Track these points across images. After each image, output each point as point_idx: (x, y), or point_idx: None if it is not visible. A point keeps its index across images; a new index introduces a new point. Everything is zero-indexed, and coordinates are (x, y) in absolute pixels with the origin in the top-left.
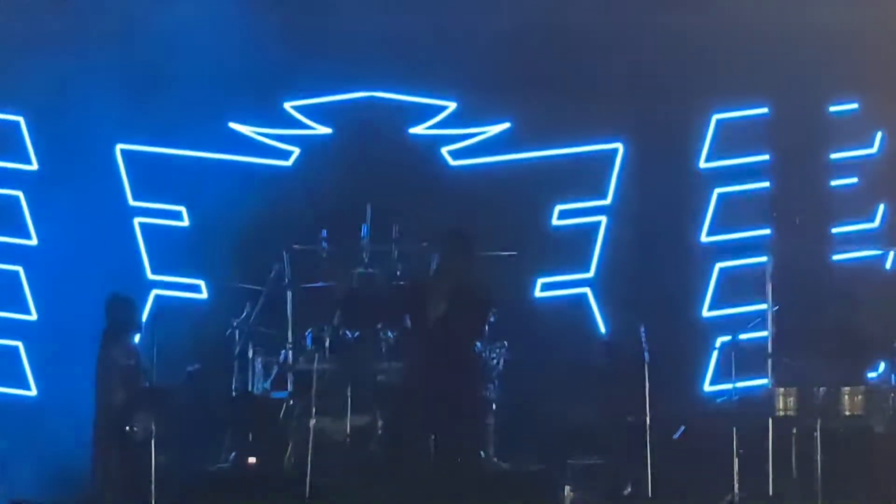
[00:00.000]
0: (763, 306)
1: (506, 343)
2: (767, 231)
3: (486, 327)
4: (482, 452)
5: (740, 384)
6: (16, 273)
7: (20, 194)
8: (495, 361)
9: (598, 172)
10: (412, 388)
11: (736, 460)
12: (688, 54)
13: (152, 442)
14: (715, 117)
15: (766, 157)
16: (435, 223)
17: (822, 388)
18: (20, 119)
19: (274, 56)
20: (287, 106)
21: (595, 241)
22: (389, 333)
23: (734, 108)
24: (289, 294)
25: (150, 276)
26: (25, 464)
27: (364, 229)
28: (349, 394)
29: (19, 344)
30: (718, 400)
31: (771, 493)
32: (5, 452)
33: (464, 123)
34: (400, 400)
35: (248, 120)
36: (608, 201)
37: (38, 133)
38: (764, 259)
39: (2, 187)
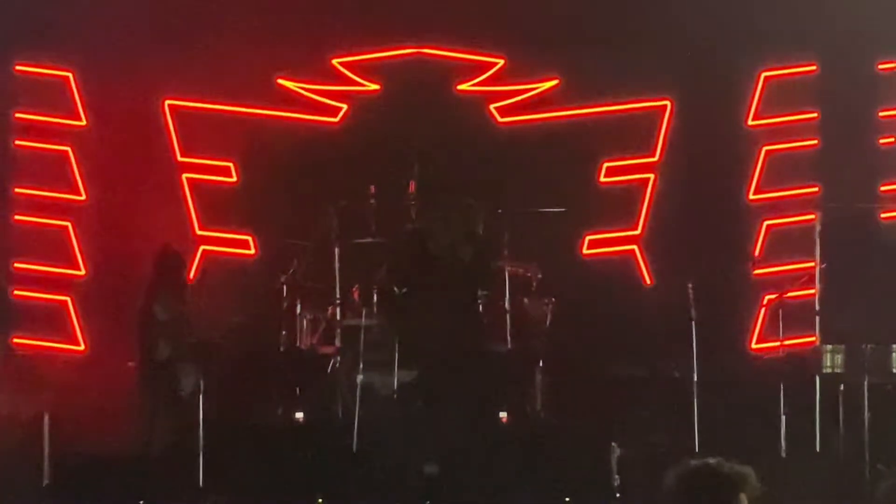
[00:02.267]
0: (811, 264)
1: (553, 299)
2: (815, 189)
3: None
4: (528, 408)
5: (787, 342)
6: (65, 228)
7: (69, 150)
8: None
9: (646, 129)
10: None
11: (783, 417)
12: (737, 11)
13: (200, 396)
14: (763, 74)
15: (815, 114)
16: (482, 181)
17: (869, 345)
18: (69, 74)
19: (322, 11)
20: (335, 62)
21: (642, 198)
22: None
23: (782, 65)
24: (336, 250)
25: (199, 231)
26: (73, 419)
27: (411, 186)
28: (396, 349)
29: (69, 299)
30: (765, 357)
31: (818, 450)
32: (54, 406)
33: (512, 80)
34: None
35: (296, 76)
36: (656, 158)
37: (87, 88)
38: (812, 217)
39: (51, 143)
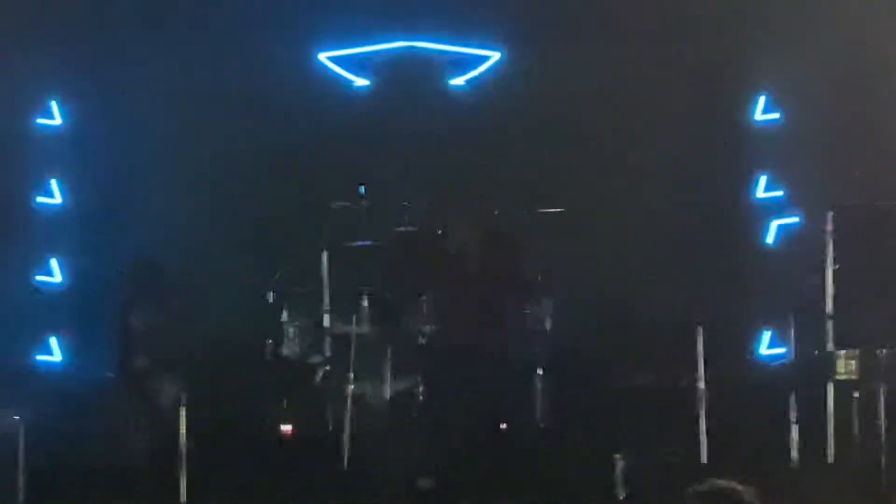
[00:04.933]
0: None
1: (552, 304)
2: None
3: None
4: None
5: (797, 347)
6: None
7: None
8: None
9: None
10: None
11: (794, 426)
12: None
13: (182, 408)
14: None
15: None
16: (478, 181)
17: (884, 350)
18: None
19: (307, 4)
20: (322, 57)
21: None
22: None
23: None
24: (325, 254)
25: None
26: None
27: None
28: (389, 358)
29: None
30: (775, 363)
31: (831, 459)
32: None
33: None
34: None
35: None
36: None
37: None
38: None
39: None
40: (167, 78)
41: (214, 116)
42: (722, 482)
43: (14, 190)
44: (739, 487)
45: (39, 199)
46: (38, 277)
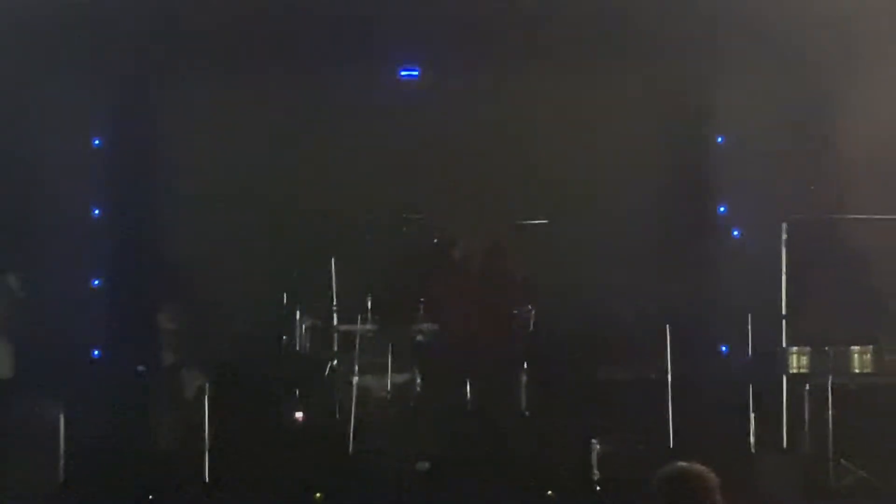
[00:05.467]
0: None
1: (535, 306)
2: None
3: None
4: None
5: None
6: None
7: None
8: (527, 323)
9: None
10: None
11: (752, 415)
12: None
13: (205, 398)
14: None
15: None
16: (470, 193)
17: (832, 348)
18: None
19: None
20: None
21: None
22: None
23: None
24: (332, 259)
25: None
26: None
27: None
28: (390, 354)
29: None
30: (736, 359)
31: (785, 445)
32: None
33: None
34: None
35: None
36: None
37: None
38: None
39: None
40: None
41: (238, 145)
42: (686, 464)
43: (70, 203)
44: (703, 469)
45: (92, 212)
46: (93, 282)
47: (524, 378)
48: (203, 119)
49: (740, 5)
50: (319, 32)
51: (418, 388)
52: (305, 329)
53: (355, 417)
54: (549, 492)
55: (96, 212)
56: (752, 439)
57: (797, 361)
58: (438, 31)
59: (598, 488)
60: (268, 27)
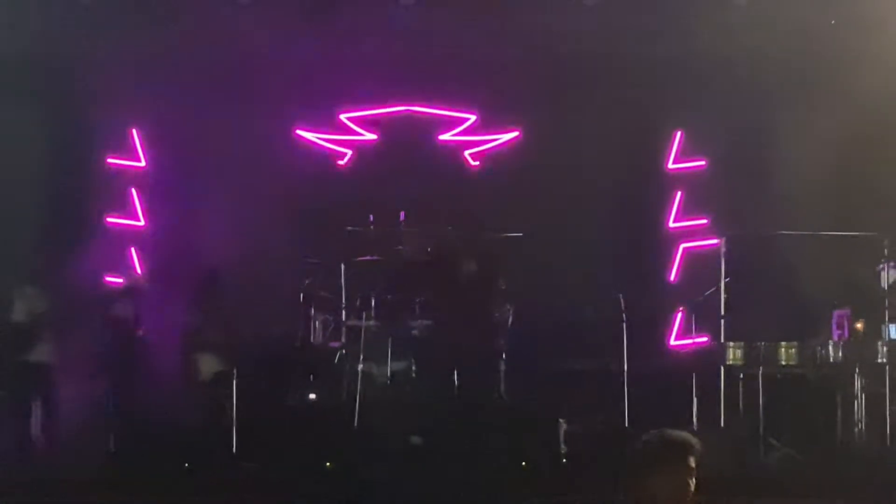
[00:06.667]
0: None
1: (513, 307)
2: (720, 218)
3: (498, 292)
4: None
5: (698, 339)
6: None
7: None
8: (506, 321)
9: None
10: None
11: (695, 399)
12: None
13: (234, 381)
14: (679, 131)
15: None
16: (458, 211)
17: (763, 343)
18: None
19: (331, 76)
20: (342, 117)
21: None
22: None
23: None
24: (342, 266)
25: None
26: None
27: (402, 215)
28: (390, 345)
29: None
30: (682, 351)
31: (722, 425)
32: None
33: (482, 132)
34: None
35: (310, 127)
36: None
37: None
38: (718, 241)
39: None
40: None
41: (260, 166)
42: (671, 431)
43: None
44: (687, 435)
45: (112, 218)
46: (109, 278)
47: (503, 367)
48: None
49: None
50: None
51: (414, 375)
52: (319, 324)
53: (360, 399)
54: (523, 463)
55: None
56: (694, 419)
57: (733, 355)
58: None
59: (564, 461)
60: None
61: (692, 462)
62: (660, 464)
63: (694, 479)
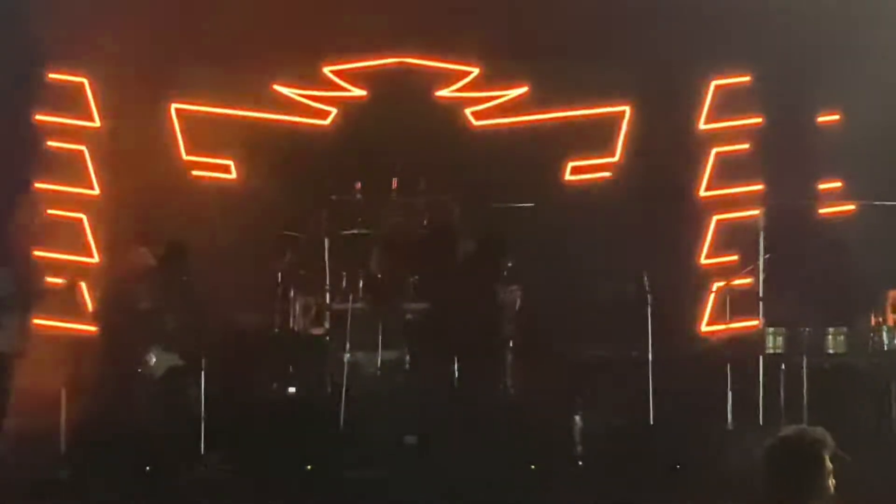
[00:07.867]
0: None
1: (518, 288)
2: (760, 187)
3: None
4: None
5: (734, 325)
6: (80, 220)
7: (84, 149)
8: (513, 303)
9: (607, 132)
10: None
11: (729, 393)
12: (689, 26)
13: (202, 373)
14: (713, 83)
15: (759, 120)
16: (458, 178)
17: (807, 329)
18: (84, 80)
19: (314, 24)
20: (326, 70)
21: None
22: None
23: (730, 75)
24: (326, 240)
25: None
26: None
27: (394, 183)
28: (381, 331)
29: (83, 284)
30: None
31: (761, 422)
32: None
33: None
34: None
35: (290, 82)
36: (616, 159)
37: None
38: (757, 212)
39: (68, 143)
40: None
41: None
42: (809, 427)
43: None
44: (823, 431)
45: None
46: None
47: (509, 356)
48: None
49: None
50: None
51: (407, 366)
52: (299, 307)
53: (346, 393)
54: (532, 466)
55: None
56: (729, 416)
57: (773, 342)
58: None
59: (579, 463)
60: None
61: (829, 462)
62: (800, 463)
63: (833, 481)
